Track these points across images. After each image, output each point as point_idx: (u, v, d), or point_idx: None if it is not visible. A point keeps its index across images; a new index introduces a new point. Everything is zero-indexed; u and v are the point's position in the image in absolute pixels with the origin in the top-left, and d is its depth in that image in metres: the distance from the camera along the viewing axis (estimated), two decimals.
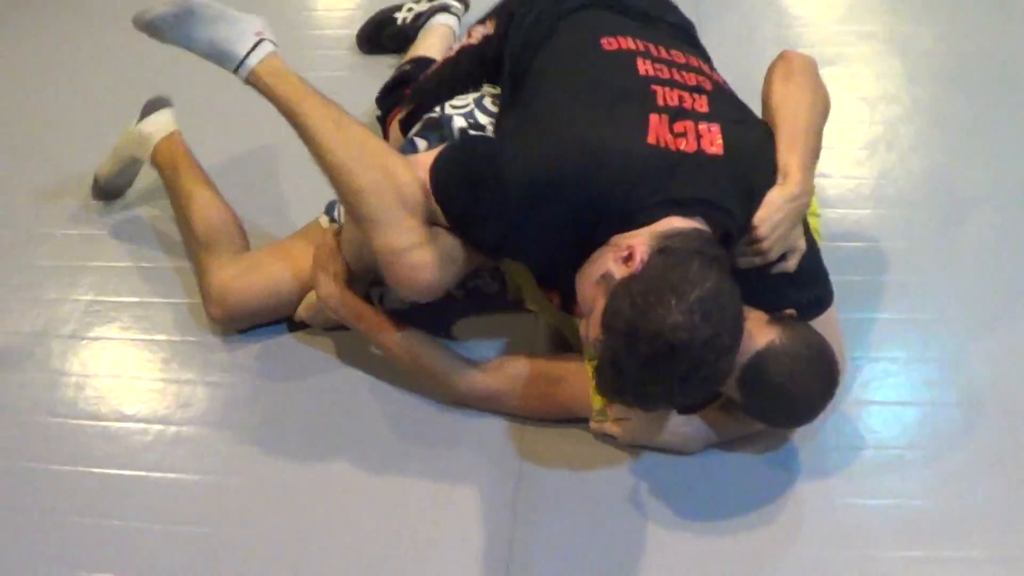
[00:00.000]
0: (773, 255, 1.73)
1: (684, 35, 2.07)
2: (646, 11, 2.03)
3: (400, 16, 2.82)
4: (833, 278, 1.87)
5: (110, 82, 2.86)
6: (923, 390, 1.97)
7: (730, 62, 2.15)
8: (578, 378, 1.86)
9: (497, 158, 1.72)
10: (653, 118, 1.73)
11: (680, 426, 1.83)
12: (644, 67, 1.82)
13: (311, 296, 2.04)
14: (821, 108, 1.86)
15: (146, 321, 2.20)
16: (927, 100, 2.68)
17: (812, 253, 1.83)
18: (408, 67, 2.50)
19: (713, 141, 1.73)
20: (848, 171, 2.47)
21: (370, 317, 1.94)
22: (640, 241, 1.63)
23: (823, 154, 1.85)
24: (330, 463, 1.89)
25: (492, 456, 1.89)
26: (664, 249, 1.60)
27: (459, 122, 2.02)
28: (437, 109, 2.08)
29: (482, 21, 2.22)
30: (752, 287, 1.72)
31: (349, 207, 1.78)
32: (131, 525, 1.81)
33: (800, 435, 1.87)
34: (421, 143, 2.02)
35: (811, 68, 1.89)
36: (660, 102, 1.76)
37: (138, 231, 2.41)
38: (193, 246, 2.21)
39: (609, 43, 1.87)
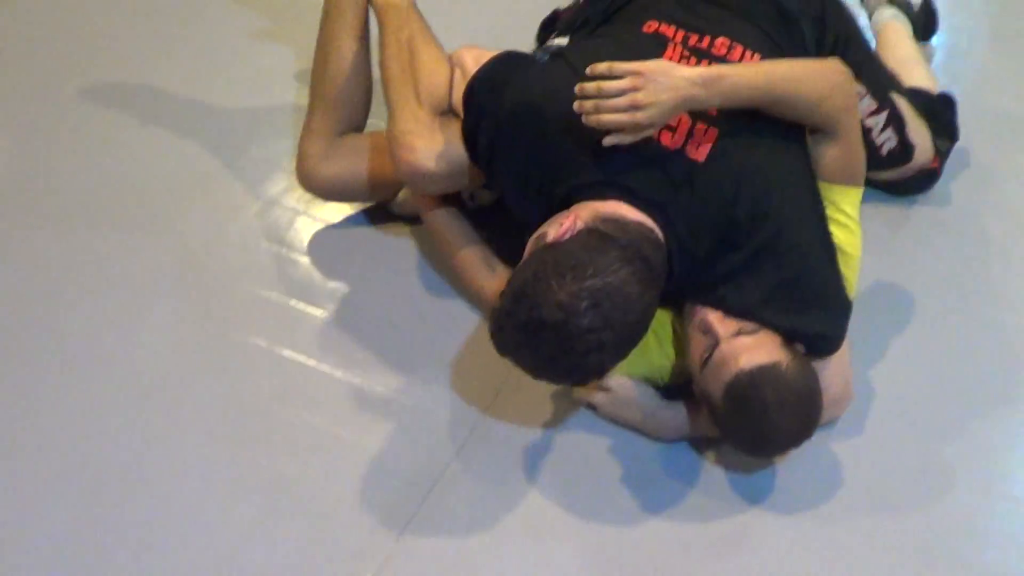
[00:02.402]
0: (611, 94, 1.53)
1: (781, 22, 1.86)
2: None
3: None
4: None
5: None
6: None
7: None
8: None
9: (517, 72, 1.74)
10: None
11: (660, 409, 1.76)
12: (670, 53, 1.75)
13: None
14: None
15: None
16: None
17: (828, 274, 1.68)
18: None
19: (700, 144, 1.63)
20: None
21: (430, 201, 1.94)
22: (582, 214, 1.59)
23: None
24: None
25: (465, 392, 1.86)
26: (594, 231, 1.56)
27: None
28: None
29: None
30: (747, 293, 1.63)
31: (384, 95, 1.90)
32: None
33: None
34: None
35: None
36: None
37: None
38: (313, 91, 2.08)
39: (649, 27, 1.82)
